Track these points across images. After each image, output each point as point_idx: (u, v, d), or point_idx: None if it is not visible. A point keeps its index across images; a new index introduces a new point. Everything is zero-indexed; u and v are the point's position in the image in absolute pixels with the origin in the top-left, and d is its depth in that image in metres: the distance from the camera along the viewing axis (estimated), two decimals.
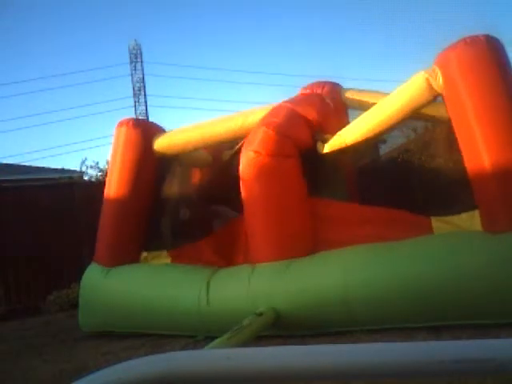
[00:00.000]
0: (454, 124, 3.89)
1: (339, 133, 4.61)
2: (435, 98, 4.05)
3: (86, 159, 12.60)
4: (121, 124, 5.50)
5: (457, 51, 3.82)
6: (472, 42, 3.77)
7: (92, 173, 12.21)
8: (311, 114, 4.77)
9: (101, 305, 5.04)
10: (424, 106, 4.14)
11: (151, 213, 5.44)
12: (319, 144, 4.66)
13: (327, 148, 4.61)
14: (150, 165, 5.44)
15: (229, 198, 5.32)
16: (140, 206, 5.37)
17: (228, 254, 4.93)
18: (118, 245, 5.29)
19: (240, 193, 4.59)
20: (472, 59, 3.75)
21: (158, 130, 5.65)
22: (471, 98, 3.70)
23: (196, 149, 5.61)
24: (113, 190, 5.41)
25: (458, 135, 3.86)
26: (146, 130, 5.48)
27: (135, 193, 5.32)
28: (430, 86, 3.94)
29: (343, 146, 4.53)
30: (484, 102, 3.70)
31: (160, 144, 5.41)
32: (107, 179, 5.61)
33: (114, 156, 5.55)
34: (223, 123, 5.36)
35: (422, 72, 4.00)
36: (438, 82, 3.90)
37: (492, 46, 3.78)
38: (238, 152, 4.77)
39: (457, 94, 3.78)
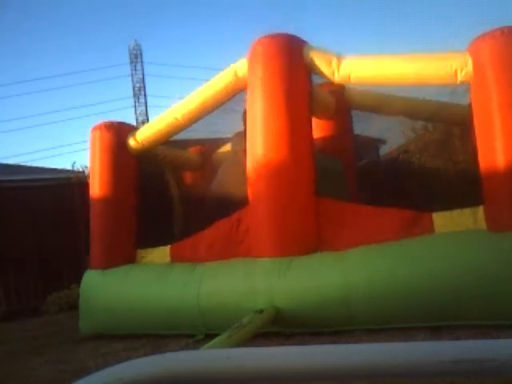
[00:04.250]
0: (475, 115, 3.76)
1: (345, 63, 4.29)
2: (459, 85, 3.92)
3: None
4: (94, 129, 5.64)
5: (491, 40, 3.66)
6: (508, 31, 3.61)
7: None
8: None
9: (100, 307, 5.05)
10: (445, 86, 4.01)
11: (141, 211, 5.51)
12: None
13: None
14: (129, 164, 5.58)
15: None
16: (126, 206, 5.46)
17: (226, 248, 4.88)
18: (110, 246, 5.36)
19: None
20: (506, 49, 3.60)
21: (131, 129, 5.77)
22: (498, 90, 3.56)
23: (168, 137, 5.56)
24: (95, 193, 5.51)
25: (476, 127, 3.75)
26: (118, 131, 5.61)
27: (118, 193, 5.42)
28: (455, 73, 3.80)
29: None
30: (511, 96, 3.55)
31: (134, 141, 5.51)
32: (90, 184, 5.69)
33: (92, 161, 5.67)
34: (190, 102, 5.22)
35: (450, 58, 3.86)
36: (468, 70, 3.74)
37: None
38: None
39: (484, 84, 3.63)
